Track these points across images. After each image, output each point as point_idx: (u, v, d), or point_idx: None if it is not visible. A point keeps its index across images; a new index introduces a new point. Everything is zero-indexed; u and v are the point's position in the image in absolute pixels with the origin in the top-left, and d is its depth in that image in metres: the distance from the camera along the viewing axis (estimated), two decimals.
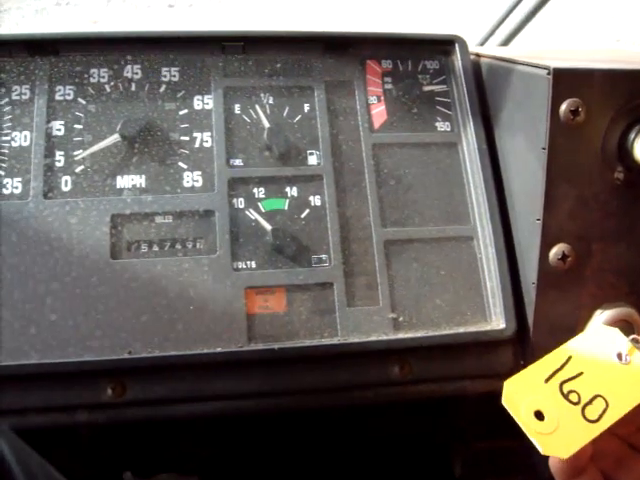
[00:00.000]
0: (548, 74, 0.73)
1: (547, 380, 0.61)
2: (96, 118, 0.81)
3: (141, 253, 0.77)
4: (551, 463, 0.62)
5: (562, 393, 0.60)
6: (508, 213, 0.84)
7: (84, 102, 0.82)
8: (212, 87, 0.85)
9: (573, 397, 0.60)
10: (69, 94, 0.82)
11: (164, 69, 0.85)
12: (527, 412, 0.59)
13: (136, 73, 0.84)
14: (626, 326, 0.78)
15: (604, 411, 0.59)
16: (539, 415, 0.59)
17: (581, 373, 0.61)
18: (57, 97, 0.82)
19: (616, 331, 0.65)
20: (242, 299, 0.77)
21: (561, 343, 0.79)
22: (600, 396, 0.60)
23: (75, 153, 0.80)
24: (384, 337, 0.78)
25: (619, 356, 0.63)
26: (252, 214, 0.80)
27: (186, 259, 0.77)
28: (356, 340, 0.77)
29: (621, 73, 0.76)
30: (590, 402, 0.60)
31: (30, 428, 0.71)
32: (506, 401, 0.60)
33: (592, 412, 0.59)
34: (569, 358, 0.62)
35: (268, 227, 0.79)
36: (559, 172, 0.76)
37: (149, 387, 0.74)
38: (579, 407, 0.59)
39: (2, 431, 0.42)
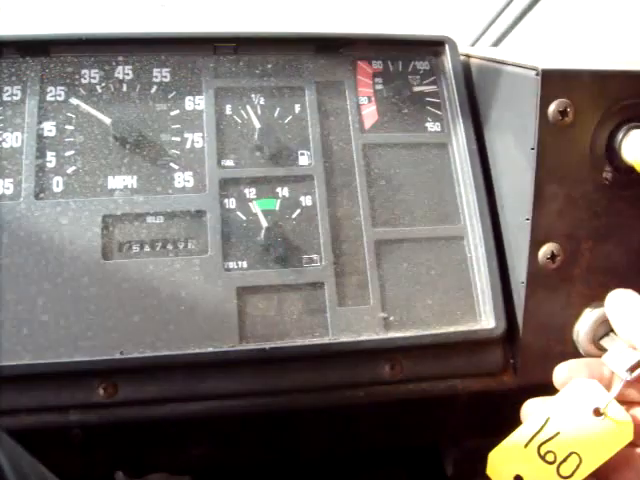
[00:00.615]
0: (536, 75, 0.74)
1: (527, 445, 0.65)
2: (87, 119, 0.82)
3: (132, 253, 0.77)
4: None
5: (540, 455, 0.64)
6: (498, 213, 0.84)
7: (75, 103, 0.82)
8: (203, 88, 0.85)
9: (549, 457, 0.64)
10: (60, 95, 0.82)
11: (155, 70, 0.85)
12: (507, 478, 0.64)
13: (127, 74, 0.84)
14: None
15: (577, 466, 0.63)
16: (518, 479, 0.64)
17: (558, 433, 0.64)
18: (48, 98, 0.82)
19: (595, 384, 0.67)
20: (233, 299, 0.77)
21: (550, 342, 0.80)
22: (574, 453, 0.64)
23: (67, 154, 0.80)
24: (375, 336, 0.78)
25: (595, 412, 0.65)
26: (248, 212, 0.81)
27: (177, 259, 0.77)
28: (347, 339, 0.78)
29: (609, 74, 0.76)
30: (565, 460, 0.64)
31: (22, 428, 0.71)
32: (490, 472, 0.65)
33: (566, 469, 0.63)
34: (547, 420, 0.65)
35: (264, 224, 0.80)
36: (548, 172, 0.76)
37: (141, 387, 0.74)
38: (554, 466, 0.64)
39: None
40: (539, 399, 0.69)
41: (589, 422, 0.65)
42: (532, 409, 0.68)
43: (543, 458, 0.64)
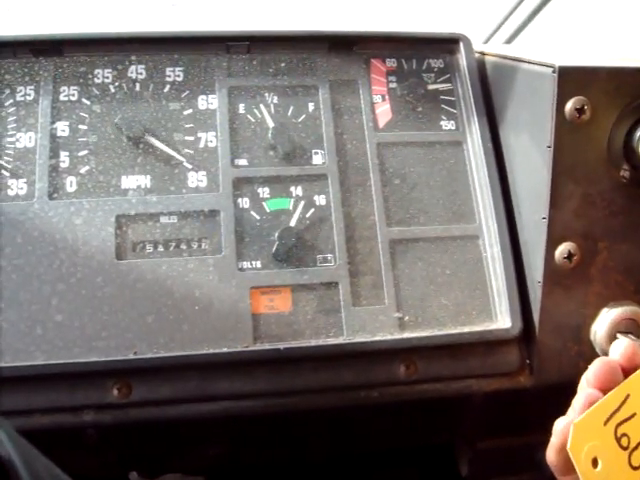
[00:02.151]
0: (553, 72, 0.73)
1: (606, 422, 0.58)
2: (100, 118, 0.81)
3: (146, 253, 0.77)
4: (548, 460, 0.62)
5: (616, 437, 0.58)
6: (513, 212, 0.84)
7: (88, 102, 0.82)
8: (216, 87, 0.85)
9: (624, 441, 0.58)
10: (73, 95, 0.82)
11: (168, 69, 0.85)
12: (586, 460, 0.57)
13: (140, 73, 0.84)
14: (632, 325, 0.77)
15: None
16: (595, 462, 0.57)
17: (634, 415, 0.59)
18: (61, 98, 0.82)
19: None
20: (247, 299, 0.77)
21: (567, 342, 0.80)
22: None
23: (80, 154, 0.80)
24: (389, 337, 0.78)
25: None
26: (261, 211, 0.81)
27: (191, 259, 0.77)
28: (361, 340, 0.77)
29: (627, 71, 0.75)
30: (636, 447, 0.58)
31: (36, 429, 0.71)
32: (572, 448, 0.58)
33: (637, 458, 0.58)
34: (627, 397, 0.59)
35: (293, 223, 0.80)
36: (564, 170, 0.75)
37: (155, 387, 0.74)
38: (627, 453, 0.58)
39: (8, 433, 0.42)
40: (610, 360, 0.62)
41: None
42: (604, 370, 0.61)
43: (618, 442, 0.58)
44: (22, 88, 0.81)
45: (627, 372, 0.60)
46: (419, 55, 0.91)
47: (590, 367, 0.61)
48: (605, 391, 0.59)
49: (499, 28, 1.41)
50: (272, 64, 0.87)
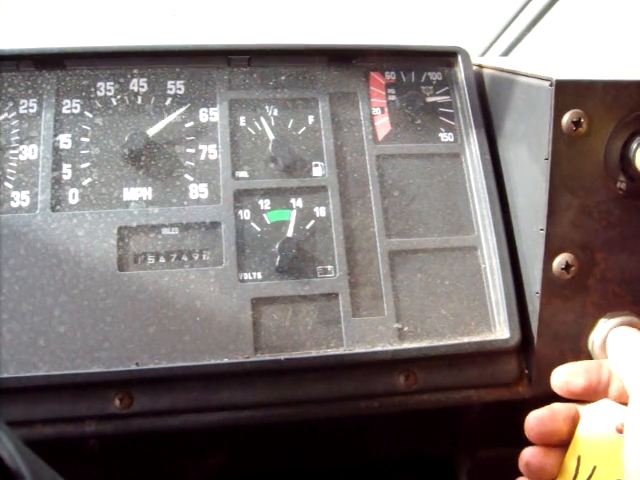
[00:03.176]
0: (550, 85, 0.74)
1: None
2: (103, 131, 0.82)
3: (148, 265, 0.78)
4: None
5: None
6: (511, 223, 0.84)
7: (91, 115, 0.83)
8: (217, 100, 0.85)
9: None
10: (76, 107, 0.83)
11: (170, 82, 0.85)
12: None
13: (142, 86, 0.85)
14: None
15: None
16: None
17: (595, 467, 0.60)
18: (64, 110, 0.82)
19: (607, 402, 0.64)
20: (248, 310, 0.77)
21: (565, 352, 0.80)
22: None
23: (82, 166, 0.80)
24: (389, 347, 0.78)
25: (619, 430, 0.61)
26: (262, 223, 0.81)
27: (192, 271, 0.78)
28: (361, 350, 0.78)
29: (623, 84, 0.76)
30: None
31: (38, 439, 0.71)
32: None
33: None
34: (579, 459, 0.61)
35: (290, 233, 0.81)
36: (562, 182, 0.76)
37: (156, 398, 0.74)
38: None
39: (16, 445, 0.42)
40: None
41: (617, 442, 0.61)
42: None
43: None
44: (25, 101, 0.82)
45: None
46: (418, 68, 0.92)
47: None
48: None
49: (496, 40, 1.43)
50: (272, 77, 0.88)
